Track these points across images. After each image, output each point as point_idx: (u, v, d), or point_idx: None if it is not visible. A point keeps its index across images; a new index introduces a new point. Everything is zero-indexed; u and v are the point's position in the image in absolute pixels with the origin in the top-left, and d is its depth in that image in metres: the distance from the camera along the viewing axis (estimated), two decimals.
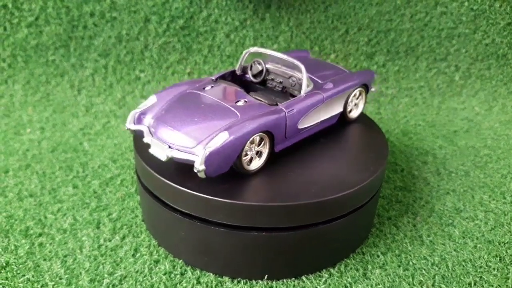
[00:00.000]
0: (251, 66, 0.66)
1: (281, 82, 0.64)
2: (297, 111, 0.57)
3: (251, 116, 0.53)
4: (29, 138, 0.85)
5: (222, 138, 0.50)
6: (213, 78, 0.63)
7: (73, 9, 0.97)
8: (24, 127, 0.89)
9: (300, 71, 0.61)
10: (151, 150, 0.53)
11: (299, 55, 0.75)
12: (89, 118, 0.93)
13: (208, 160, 0.49)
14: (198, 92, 0.58)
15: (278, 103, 0.57)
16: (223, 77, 0.64)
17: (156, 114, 0.55)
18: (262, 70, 0.64)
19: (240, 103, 0.56)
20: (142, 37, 1.00)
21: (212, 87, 0.59)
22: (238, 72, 0.66)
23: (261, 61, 0.65)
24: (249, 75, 0.66)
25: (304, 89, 0.59)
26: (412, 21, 1.06)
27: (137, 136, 0.57)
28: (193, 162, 0.49)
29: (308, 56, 0.77)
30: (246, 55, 0.65)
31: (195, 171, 0.49)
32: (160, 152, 0.52)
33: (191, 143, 0.51)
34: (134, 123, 0.56)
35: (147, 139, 0.53)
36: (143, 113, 0.56)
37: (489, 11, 1.07)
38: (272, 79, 0.65)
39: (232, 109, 0.54)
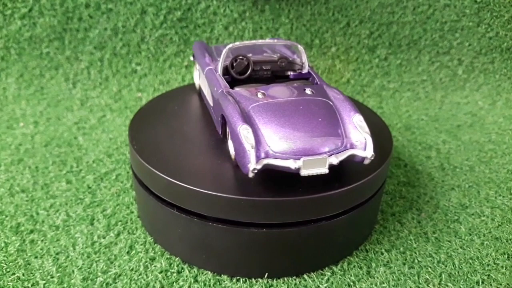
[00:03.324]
0: (232, 64, 0.61)
1: (269, 69, 0.63)
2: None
3: (332, 97, 0.55)
4: (22, 132, 0.83)
5: (362, 120, 0.51)
6: (224, 90, 0.57)
7: (68, 0, 0.95)
8: (17, 121, 0.87)
9: (288, 48, 0.66)
10: (304, 172, 0.48)
11: (199, 45, 0.72)
12: (84, 112, 0.91)
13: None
14: (269, 101, 0.53)
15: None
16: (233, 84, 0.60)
17: (269, 140, 0.49)
18: (248, 64, 0.61)
19: (309, 91, 0.55)
20: (139, 29, 0.98)
21: (263, 93, 0.55)
22: (220, 74, 0.60)
23: (244, 56, 0.61)
24: (233, 73, 0.61)
25: (307, 64, 0.62)
26: (415, 13, 1.04)
27: (259, 173, 0.49)
28: (359, 156, 0.50)
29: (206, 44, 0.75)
30: (226, 53, 0.60)
31: (369, 159, 0.49)
32: (320, 166, 0.49)
33: (340, 141, 0.50)
34: (257, 162, 0.48)
35: (295, 164, 0.48)
36: (257, 147, 0.49)
37: (493, 3, 1.05)
38: (260, 69, 0.63)
39: (322, 98, 0.54)
